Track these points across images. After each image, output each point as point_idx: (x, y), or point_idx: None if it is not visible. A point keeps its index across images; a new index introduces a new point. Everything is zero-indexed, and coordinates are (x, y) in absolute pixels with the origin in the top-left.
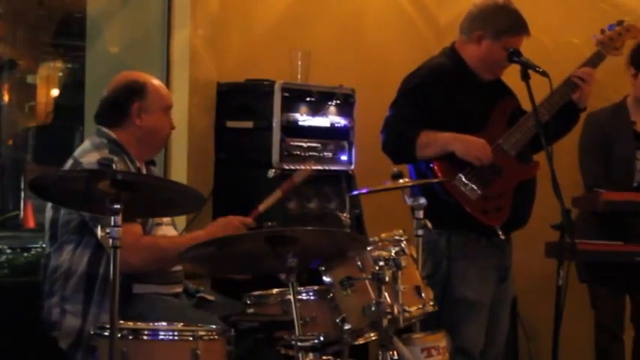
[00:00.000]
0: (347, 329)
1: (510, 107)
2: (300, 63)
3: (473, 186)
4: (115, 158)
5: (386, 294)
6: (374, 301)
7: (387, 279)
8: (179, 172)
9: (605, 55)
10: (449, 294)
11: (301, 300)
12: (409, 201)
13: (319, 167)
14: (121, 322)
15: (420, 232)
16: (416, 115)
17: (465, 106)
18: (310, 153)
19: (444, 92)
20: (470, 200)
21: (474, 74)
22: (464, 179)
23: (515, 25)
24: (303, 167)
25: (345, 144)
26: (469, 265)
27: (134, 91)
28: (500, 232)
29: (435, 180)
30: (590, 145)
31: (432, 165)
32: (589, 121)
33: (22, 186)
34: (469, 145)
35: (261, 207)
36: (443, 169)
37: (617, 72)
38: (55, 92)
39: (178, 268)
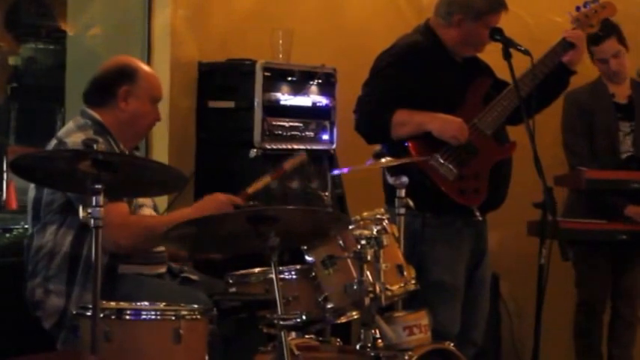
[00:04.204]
0: (329, 308)
1: (486, 86)
2: (281, 42)
3: (449, 166)
4: (100, 139)
5: (368, 273)
6: (356, 280)
7: (368, 258)
8: (161, 153)
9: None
10: (424, 277)
11: (283, 279)
12: (391, 180)
13: (301, 147)
14: (104, 302)
15: (402, 210)
16: (390, 94)
17: (440, 84)
18: (292, 132)
19: (417, 70)
20: (446, 180)
21: (449, 53)
22: (440, 159)
23: (493, 4)
24: (296, 155)
25: (327, 123)
26: (444, 248)
27: (125, 74)
28: (477, 213)
29: (419, 159)
30: (572, 124)
31: (406, 144)
32: (568, 99)
33: (4, 167)
34: (446, 124)
35: (250, 190)
36: (418, 149)
37: None
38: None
39: (161, 248)
